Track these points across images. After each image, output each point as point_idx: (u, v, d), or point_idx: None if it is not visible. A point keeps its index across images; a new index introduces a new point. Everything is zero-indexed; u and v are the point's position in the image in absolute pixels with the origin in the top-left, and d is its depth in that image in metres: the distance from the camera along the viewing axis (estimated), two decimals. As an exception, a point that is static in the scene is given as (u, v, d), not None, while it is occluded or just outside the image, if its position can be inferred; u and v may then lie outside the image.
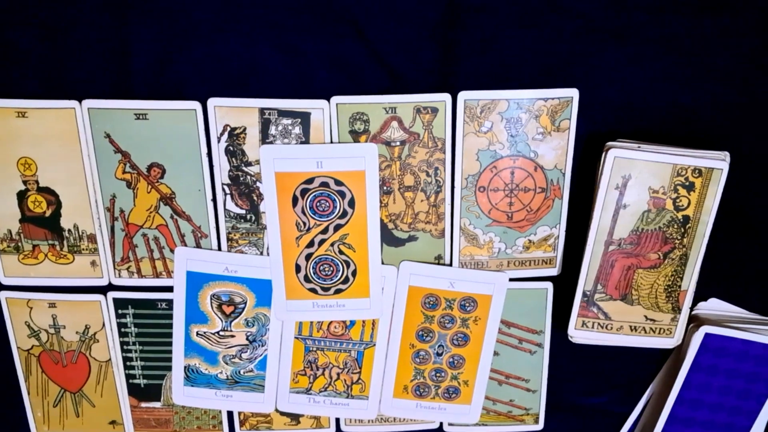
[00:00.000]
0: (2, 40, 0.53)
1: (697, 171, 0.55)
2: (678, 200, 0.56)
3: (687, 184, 0.55)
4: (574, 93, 0.55)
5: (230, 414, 0.64)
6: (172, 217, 0.57)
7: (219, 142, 0.55)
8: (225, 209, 0.57)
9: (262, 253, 0.58)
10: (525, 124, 0.55)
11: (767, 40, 0.55)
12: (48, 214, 0.57)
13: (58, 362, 0.62)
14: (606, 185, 0.55)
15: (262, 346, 0.60)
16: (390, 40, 0.54)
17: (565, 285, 0.60)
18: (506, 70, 0.55)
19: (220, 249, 0.58)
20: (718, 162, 0.54)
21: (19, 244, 0.58)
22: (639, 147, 0.54)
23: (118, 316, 0.60)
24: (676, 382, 0.61)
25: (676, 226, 0.56)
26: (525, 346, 0.62)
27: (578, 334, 0.60)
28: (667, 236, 0.57)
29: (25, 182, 0.56)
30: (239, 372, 0.61)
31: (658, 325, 0.60)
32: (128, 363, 0.62)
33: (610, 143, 0.55)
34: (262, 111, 0.54)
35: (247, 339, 0.60)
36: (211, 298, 0.59)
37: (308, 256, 0.57)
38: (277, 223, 0.56)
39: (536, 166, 0.57)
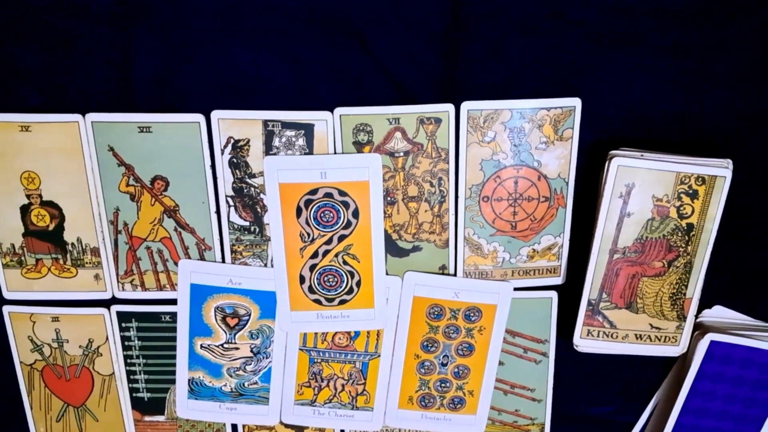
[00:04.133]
0: (5, 54, 0.53)
1: (700, 179, 0.55)
2: (682, 208, 0.56)
3: (690, 192, 0.55)
4: (576, 102, 0.55)
5: (234, 427, 0.64)
6: (176, 229, 0.57)
7: (223, 154, 0.54)
8: (229, 221, 0.57)
9: (266, 265, 0.58)
10: (528, 134, 0.55)
11: (768, 47, 0.55)
12: (51, 227, 0.57)
13: (61, 376, 0.62)
14: (610, 194, 0.55)
15: (267, 358, 0.60)
16: (393, 50, 0.54)
17: (569, 294, 0.60)
18: (509, 79, 0.55)
19: (224, 261, 0.58)
20: (721, 170, 0.55)
21: (23, 258, 0.57)
22: (642, 155, 0.54)
23: (121, 329, 0.60)
24: (682, 391, 0.61)
25: (680, 234, 0.56)
26: (530, 355, 0.62)
27: (583, 342, 0.60)
28: (671, 244, 0.57)
29: (28, 196, 0.56)
30: (243, 384, 0.61)
31: (663, 333, 0.60)
32: (132, 377, 0.61)
33: (613, 152, 0.55)
34: (265, 123, 0.54)
35: (251, 351, 0.60)
36: (215, 311, 0.58)
37: (312, 267, 0.57)
38: (281, 234, 0.56)
39: (540, 175, 0.57)
